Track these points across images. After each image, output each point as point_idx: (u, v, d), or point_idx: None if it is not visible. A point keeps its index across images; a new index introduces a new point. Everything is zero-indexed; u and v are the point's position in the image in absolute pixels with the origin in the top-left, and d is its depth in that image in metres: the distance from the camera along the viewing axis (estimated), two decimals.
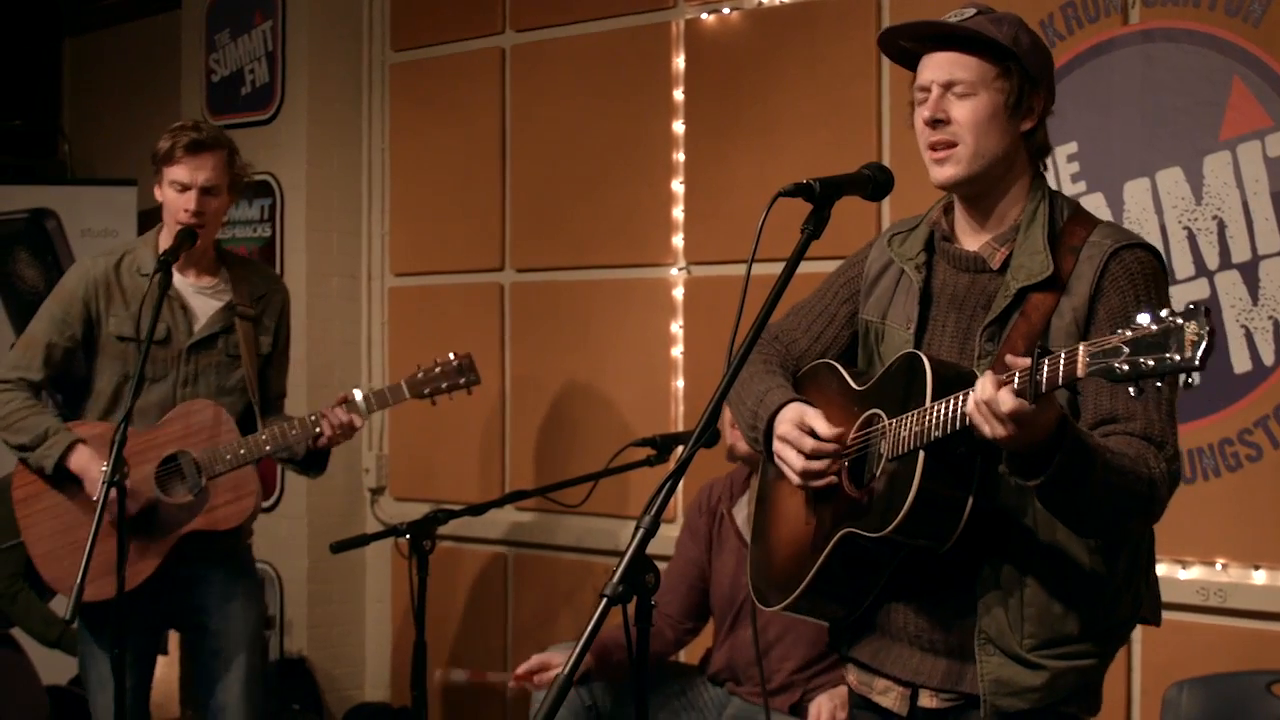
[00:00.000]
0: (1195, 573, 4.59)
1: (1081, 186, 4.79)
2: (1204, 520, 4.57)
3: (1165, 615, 4.39)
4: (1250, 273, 4.50)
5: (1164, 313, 2.35)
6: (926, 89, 3.00)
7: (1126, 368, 2.36)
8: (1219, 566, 4.56)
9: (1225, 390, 4.54)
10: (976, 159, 2.97)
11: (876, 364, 3.15)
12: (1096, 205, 4.74)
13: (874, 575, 3.05)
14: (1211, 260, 4.57)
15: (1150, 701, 4.57)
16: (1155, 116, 4.67)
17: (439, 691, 6.21)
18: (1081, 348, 2.45)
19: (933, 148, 2.99)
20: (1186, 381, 2.36)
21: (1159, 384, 2.37)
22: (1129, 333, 2.38)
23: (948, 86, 2.97)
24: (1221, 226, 4.55)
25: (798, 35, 5.45)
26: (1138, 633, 4.63)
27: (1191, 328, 2.31)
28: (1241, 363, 4.51)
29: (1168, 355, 2.32)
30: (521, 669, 4.55)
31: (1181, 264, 4.61)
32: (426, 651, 4.68)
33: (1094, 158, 4.79)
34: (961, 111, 2.96)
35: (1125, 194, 4.71)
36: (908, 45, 3.08)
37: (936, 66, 3.00)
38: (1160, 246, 4.60)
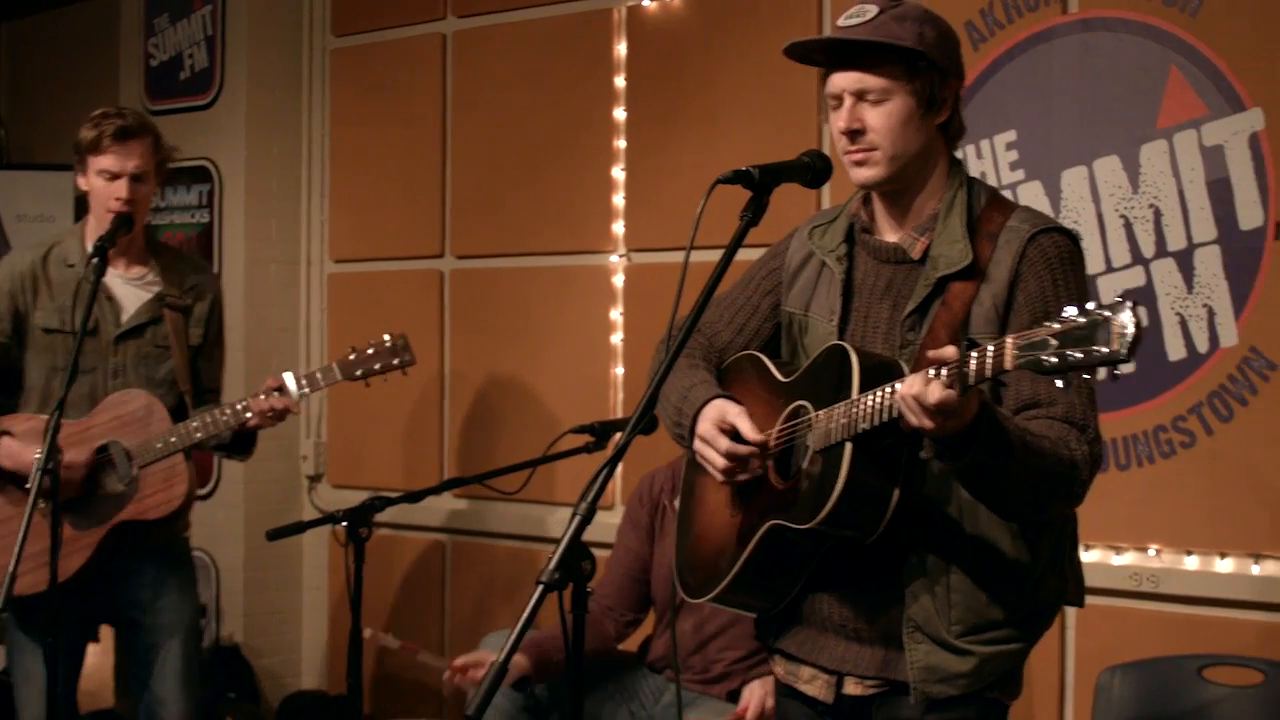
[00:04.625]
0: (1128, 558, 4.61)
1: (1020, 174, 4.81)
2: (1137, 506, 4.60)
3: (1099, 601, 4.47)
4: (1185, 261, 4.53)
5: (1091, 305, 2.36)
6: (838, 97, 3.00)
7: (1055, 360, 2.37)
8: (1152, 552, 4.58)
9: (1160, 378, 4.57)
10: (895, 161, 2.98)
11: (800, 356, 3.15)
12: (1035, 193, 4.76)
13: (800, 566, 3.05)
14: (1148, 248, 4.59)
15: (1083, 687, 4.59)
16: (1093, 105, 4.69)
17: (372, 657, 6.19)
18: (1009, 340, 2.46)
19: (850, 153, 3.00)
20: (1114, 374, 2.37)
21: (1085, 376, 2.38)
22: (1056, 325, 2.39)
23: (859, 95, 2.97)
24: (1158, 215, 4.57)
25: (739, 23, 5.45)
26: (1071, 619, 4.67)
27: (1119, 320, 2.32)
28: (1176, 350, 4.54)
29: (1096, 348, 2.33)
30: (459, 660, 4.53)
31: (1118, 252, 4.63)
32: (362, 639, 4.66)
33: (1032, 146, 4.81)
34: (876, 119, 2.96)
35: (1063, 182, 4.73)
36: (817, 56, 3.07)
37: (847, 76, 2.99)
38: (1097, 234, 4.64)
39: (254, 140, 6.69)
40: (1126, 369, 4.57)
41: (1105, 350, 2.32)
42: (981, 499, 2.84)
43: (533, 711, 4.52)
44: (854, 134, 2.98)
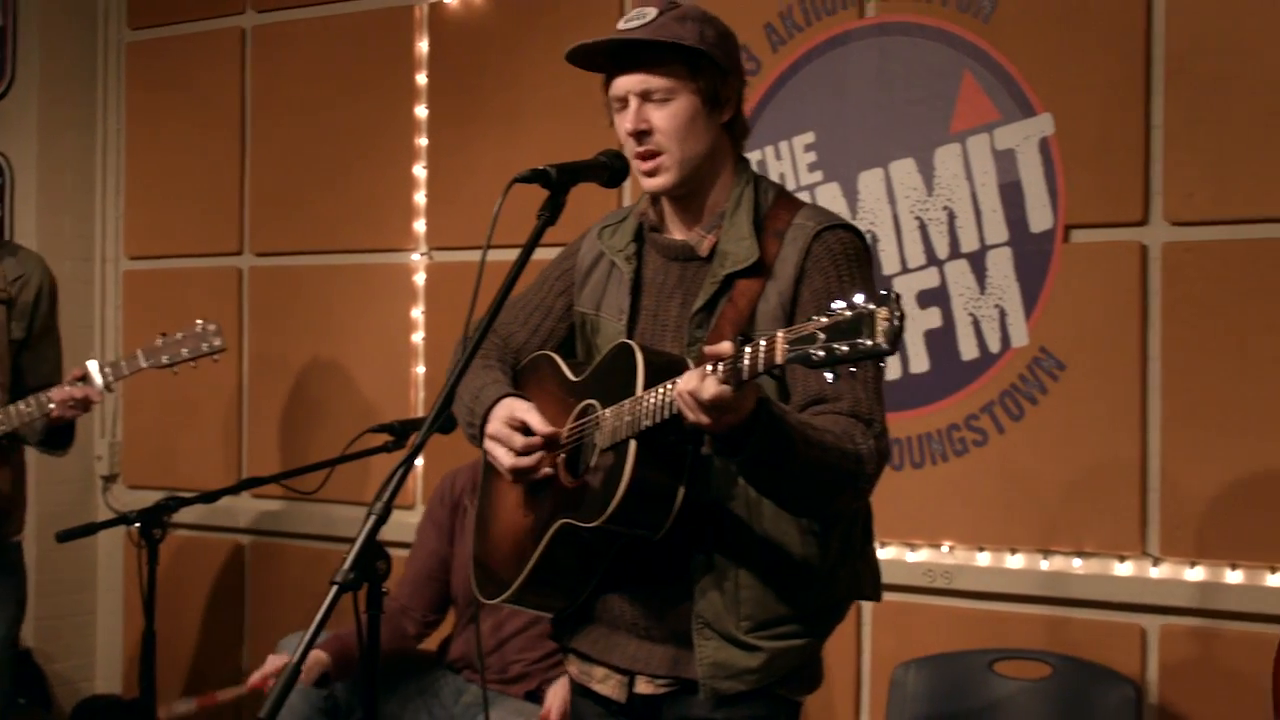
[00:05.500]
0: (923, 555, 4.69)
1: (818, 176, 4.86)
2: (932, 504, 4.68)
3: (894, 597, 4.54)
4: (978, 262, 4.61)
5: (858, 298, 2.38)
6: (623, 99, 3.02)
7: (822, 354, 2.39)
8: (945, 549, 4.66)
9: (953, 377, 4.65)
10: (684, 164, 3.00)
11: (593, 355, 3.15)
12: (832, 195, 4.82)
13: (592, 566, 3.05)
14: (942, 250, 4.67)
15: (879, 682, 4.66)
16: (889, 108, 4.77)
17: (167, 662, 6.10)
18: (780, 335, 2.47)
19: (640, 158, 3.01)
20: (880, 364, 2.41)
21: (853, 369, 2.41)
22: (824, 319, 2.40)
23: (644, 96, 2.99)
24: (951, 217, 4.66)
25: (541, 21, 5.45)
26: (867, 615, 4.74)
27: (883, 313, 2.34)
28: (969, 350, 4.62)
29: (860, 341, 2.35)
30: (255, 676, 4.47)
31: (913, 253, 4.71)
32: (155, 642, 4.59)
33: (830, 148, 4.86)
34: (662, 119, 2.98)
35: (860, 184, 4.79)
36: (600, 60, 3.09)
37: (630, 78, 3.01)
38: (893, 236, 4.71)
39: (47, 134, 6.52)
40: (921, 368, 4.66)
41: (869, 343, 2.34)
42: (766, 494, 2.85)
43: (331, 714, 4.48)
44: (641, 134, 2.99)
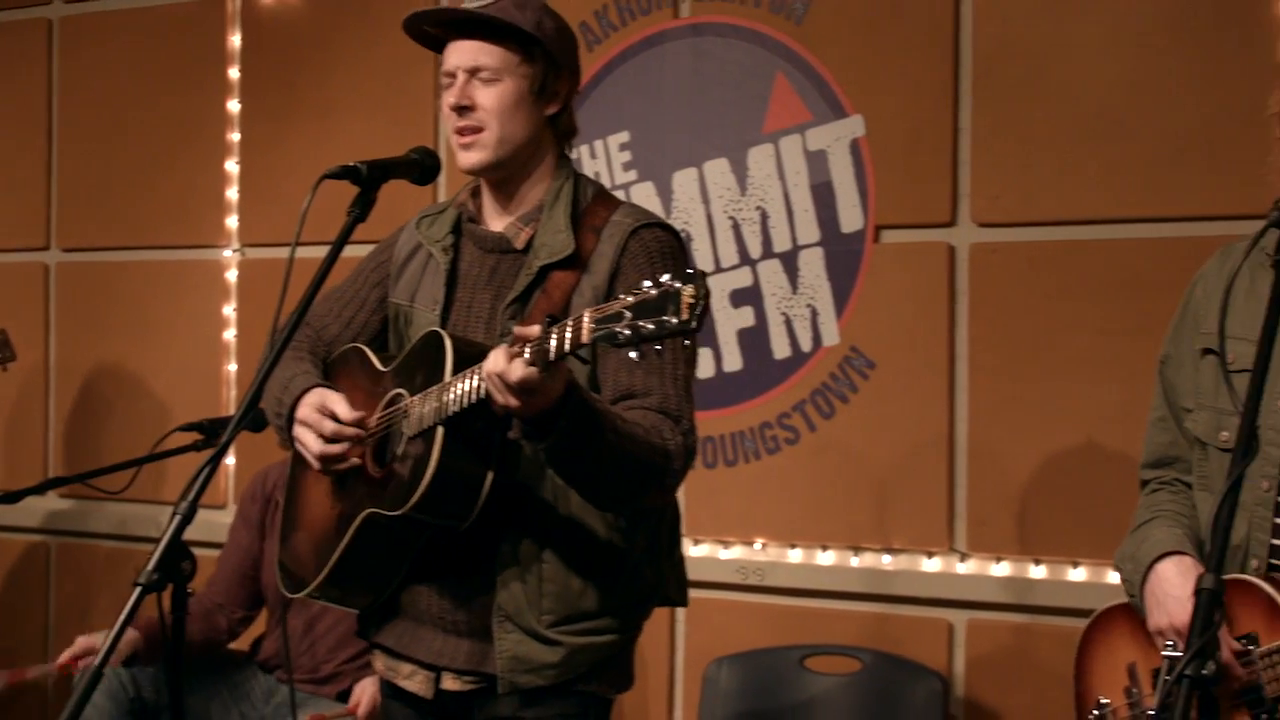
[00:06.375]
0: (736, 552, 4.72)
1: (633, 175, 4.88)
2: (744, 502, 4.71)
3: (708, 595, 4.57)
4: (790, 262, 4.66)
5: (664, 277, 2.39)
6: (452, 74, 3.04)
7: (628, 332, 2.39)
8: (758, 546, 4.70)
9: (766, 376, 4.69)
10: (502, 145, 3.02)
11: (406, 347, 3.14)
12: (647, 194, 4.83)
13: (399, 558, 3.04)
14: (755, 249, 4.70)
15: (693, 679, 4.68)
16: (704, 108, 4.79)
17: None
18: (587, 314, 2.47)
19: (459, 133, 3.03)
20: (686, 343, 2.42)
21: (659, 347, 2.41)
22: (630, 298, 2.41)
23: (473, 72, 3.02)
24: (764, 217, 4.69)
25: (356, 17, 5.40)
26: (680, 612, 4.76)
27: (688, 291, 2.36)
28: (781, 349, 4.66)
29: (665, 318, 2.36)
30: (64, 655, 4.40)
31: (726, 253, 4.74)
32: None
33: (645, 147, 4.88)
34: (487, 98, 3.01)
35: (674, 184, 4.82)
36: (433, 31, 3.11)
37: (462, 53, 3.03)
38: (707, 235, 4.74)
39: None
40: (734, 366, 4.69)
41: (675, 320, 2.35)
42: (573, 484, 2.86)
43: (139, 715, 4.41)
44: (463, 109, 3.01)
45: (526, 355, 2.56)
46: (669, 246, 3.03)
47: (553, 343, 2.53)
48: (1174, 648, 2.65)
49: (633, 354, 2.41)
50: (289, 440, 3.12)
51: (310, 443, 3.02)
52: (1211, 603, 2.12)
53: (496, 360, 2.61)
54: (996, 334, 4.39)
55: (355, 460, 3.02)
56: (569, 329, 2.50)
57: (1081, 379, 4.28)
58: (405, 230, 3.29)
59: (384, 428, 2.99)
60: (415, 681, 3.09)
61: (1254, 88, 2.76)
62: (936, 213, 4.47)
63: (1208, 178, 4.12)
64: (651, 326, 2.37)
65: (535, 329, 2.57)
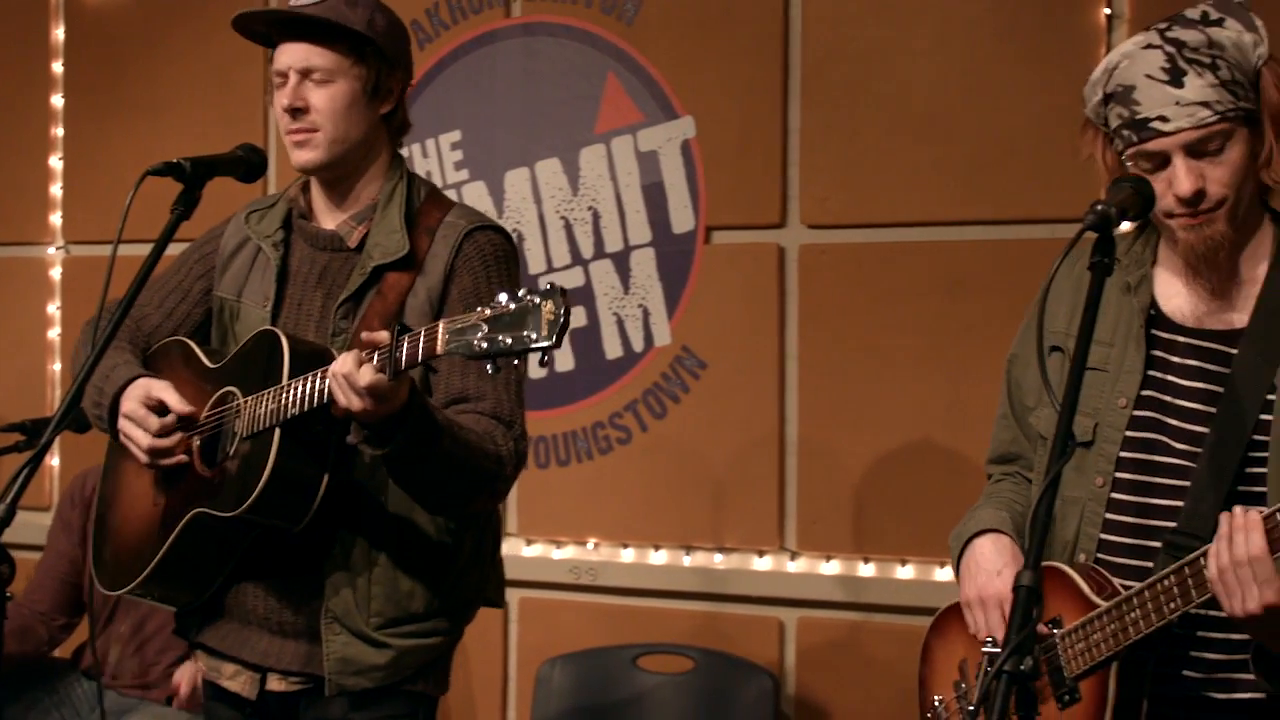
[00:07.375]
0: (569, 552, 4.73)
1: (465, 174, 4.86)
2: (576, 501, 4.71)
3: (540, 594, 4.58)
4: (622, 262, 4.67)
5: (522, 292, 2.39)
6: (284, 74, 3.01)
7: (485, 345, 2.39)
8: (591, 545, 4.71)
9: (598, 376, 4.70)
10: (336, 144, 3.00)
11: (231, 342, 3.11)
12: (479, 194, 4.82)
13: (225, 557, 3.01)
14: (587, 249, 4.71)
15: (525, 679, 4.68)
16: (536, 108, 4.79)
17: None
18: (441, 325, 2.47)
19: (291, 134, 3.00)
20: (543, 360, 2.42)
21: (515, 362, 2.42)
22: (488, 311, 2.41)
23: (305, 74, 2.99)
24: (596, 217, 4.70)
25: (184, 12, 5.32)
26: (513, 611, 4.75)
27: (548, 307, 2.36)
28: (614, 349, 4.67)
29: (525, 333, 2.36)
30: None
31: (559, 253, 4.74)
32: None
33: (477, 147, 4.86)
34: (320, 99, 2.99)
35: (506, 183, 4.81)
36: (264, 30, 3.08)
37: (293, 54, 3.00)
38: (539, 235, 4.74)
39: None
40: (567, 366, 4.70)
41: (534, 335, 2.36)
42: (408, 489, 2.85)
43: None
44: (296, 112, 2.98)
45: (375, 361, 2.55)
46: (503, 250, 3.03)
47: (404, 351, 2.52)
48: (993, 644, 2.69)
49: (488, 367, 2.41)
50: (113, 434, 3.06)
51: (139, 437, 2.97)
52: (1029, 599, 2.15)
53: (345, 363, 2.60)
54: (826, 334, 4.43)
55: (182, 457, 2.98)
56: (422, 338, 2.50)
57: (909, 378, 4.33)
58: (232, 222, 3.24)
59: (214, 425, 2.95)
60: (238, 682, 3.06)
61: (1079, 92, 2.80)
62: (766, 214, 4.50)
63: (1033, 181, 4.19)
64: (509, 341, 2.38)
65: (383, 335, 2.56)
